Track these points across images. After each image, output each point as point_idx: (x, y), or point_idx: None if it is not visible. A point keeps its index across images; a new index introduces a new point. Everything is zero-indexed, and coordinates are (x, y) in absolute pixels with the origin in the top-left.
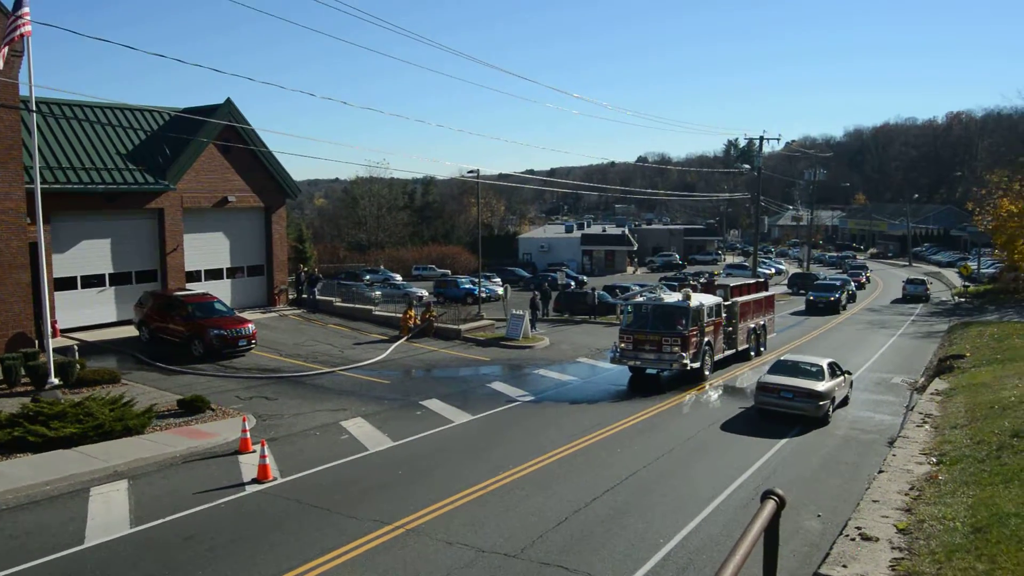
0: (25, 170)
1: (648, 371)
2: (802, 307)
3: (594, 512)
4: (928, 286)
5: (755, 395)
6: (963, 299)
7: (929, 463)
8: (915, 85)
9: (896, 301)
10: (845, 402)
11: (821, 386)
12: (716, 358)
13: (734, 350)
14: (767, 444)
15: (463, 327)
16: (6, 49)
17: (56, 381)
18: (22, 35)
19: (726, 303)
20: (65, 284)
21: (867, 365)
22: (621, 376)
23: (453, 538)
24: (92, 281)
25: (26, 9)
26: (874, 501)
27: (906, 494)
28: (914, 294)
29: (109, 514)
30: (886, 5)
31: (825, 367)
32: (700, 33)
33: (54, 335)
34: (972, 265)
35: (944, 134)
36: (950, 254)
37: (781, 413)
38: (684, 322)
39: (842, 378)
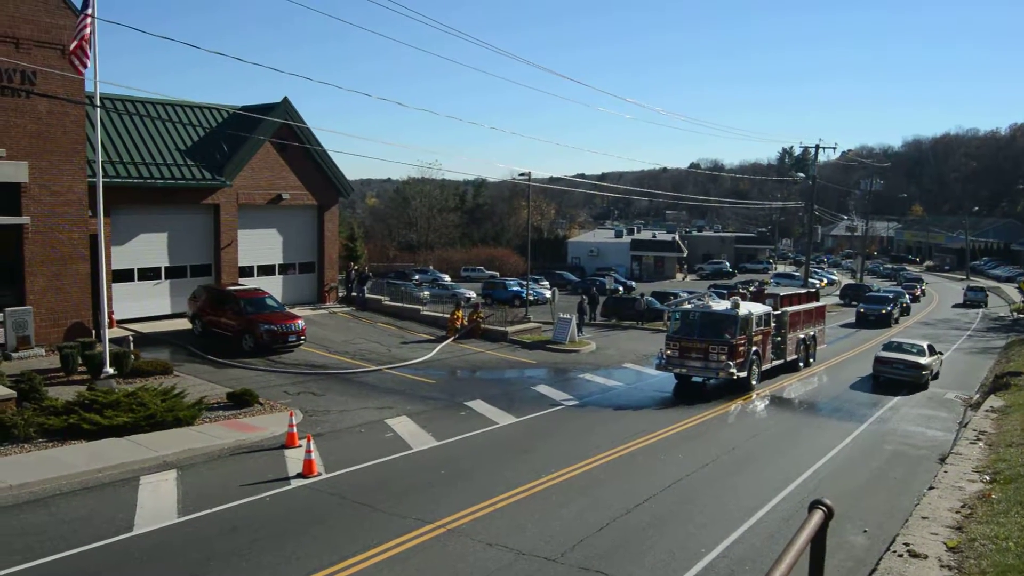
0: (88, 163)
1: (694, 379)
2: (853, 319)
3: (636, 519)
4: (987, 293)
5: (873, 366)
6: (1022, 315)
7: (982, 481)
8: (976, 100)
9: (957, 306)
10: (936, 376)
11: (923, 360)
12: (764, 368)
13: (782, 360)
14: (814, 456)
15: (510, 329)
16: (78, 45)
17: (111, 371)
18: (90, 33)
19: (775, 312)
20: (122, 276)
21: None
22: (666, 383)
23: (493, 539)
24: (148, 274)
25: (90, 9)
26: (923, 518)
27: (957, 512)
28: (974, 300)
29: (158, 503)
30: (949, 22)
31: (925, 347)
32: (760, 40)
33: (110, 326)
34: None
35: (1007, 146)
36: (1010, 269)
37: (895, 380)
38: (732, 331)
39: (936, 356)
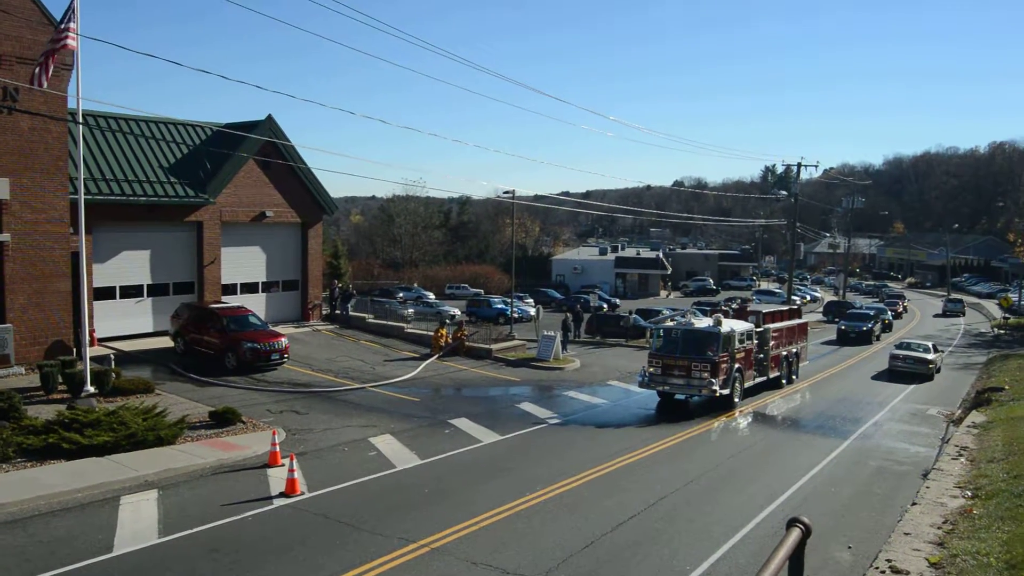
0: (70, 180)
1: (677, 396)
2: (835, 336)
3: (621, 536)
4: (964, 304)
5: (889, 362)
6: (1003, 331)
7: (964, 497)
8: (957, 113)
9: (937, 315)
10: (939, 370)
11: (929, 356)
12: (747, 385)
13: (765, 377)
14: (798, 473)
15: (494, 347)
16: (52, 60)
17: (92, 389)
18: (67, 48)
19: (758, 330)
20: (104, 294)
21: (902, 396)
22: (651, 400)
23: (478, 558)
24: (130, 291)
25: (73, 24)
26: (906, 534)
27: (939, 527)
28: (953, 310)
29: (138, 523)
30: (926, 31)
31: (930, 346)
32: (736, 53)
33: (92, 344)
34: (1013, 297)
35: (986, 164)
36: (990, 285)
37: (908, 372)
38: (714, 348)
39: (939, 354)
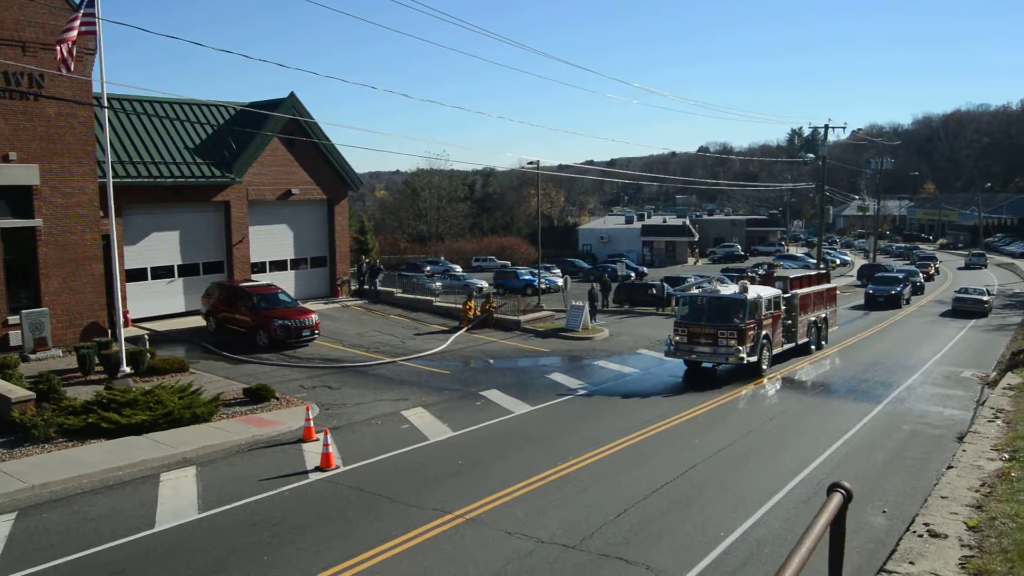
0: (97, 164)
1: (704, 365)
2: (863, 301)
3: (653, 505)
4: (986, 257)
5: (952, 304)
6: None
7: (1001, 459)
8: (987, 73)
9: (961, 268)
10: (992, 309)
11: (985, 298)
12: (775, 352)
13: (794, 344)
14: (830, 438)
15: (523, 318)
16: (64, 47)
17: (128, 369)
18: (87, 33)
19: (785, 295)
20: (136, 275)
21: (935, 359)
22: (681, 368)
23: (512, 528)
24: (161, 272)
25: (91, 8)
26: (943, 497)
27: (977, 491)
28: (976, 263)
29: (178, 499)
30: None
31: (985, 289)
32: (763, 15)
33: (126, 325)
34: None
35: (1018, 120)
36: None
37: (969, 311)
38: (741, 315)
39: (992, 296)
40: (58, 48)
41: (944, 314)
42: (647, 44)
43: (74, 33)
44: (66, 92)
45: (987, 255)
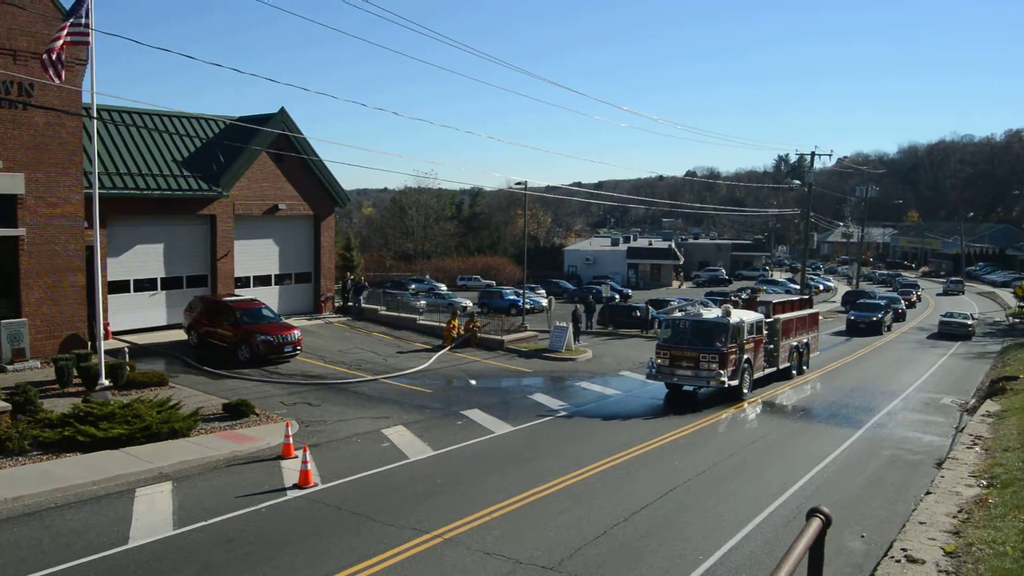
0: (84, 175)
1: (685, 388)
2: (844, 327)
3: (633, 527)
4: (963, 283)
5: (939, 327)
6: (1018, 319)
7: (979, 486)
8: (972, 102)
9: (939, 294)
10: (975, 333)
11: (969, 322)
12: (756, 376)
13: (775, 368)
14: (810, 462)
15: (506, 338)
16: (52, 55)
17: (106, 382)
18: (76, 43)
19: (768, 320)
20: (118, 287)
21: (916, 385)
22: (662, 391)
23: (490, 548)
24: (144, 285)
25: (84, 20)
26: (921, 523)
27: (954, 516)
28: (953, 290)
29: (153, 515)
30: (942, 23)
31: (969, 315)
32: (751, 40)
33: (106, 337)
34: None
35: (1002, 152)
36: (1005, 274)
37: (954, 333)
38: (723, 339)
39: (976, 320)
40: (44, 57)
41: (931, 336)
42: (637, 70)
43: (59, 43)
44: (55, 102)
45: (965, 282)
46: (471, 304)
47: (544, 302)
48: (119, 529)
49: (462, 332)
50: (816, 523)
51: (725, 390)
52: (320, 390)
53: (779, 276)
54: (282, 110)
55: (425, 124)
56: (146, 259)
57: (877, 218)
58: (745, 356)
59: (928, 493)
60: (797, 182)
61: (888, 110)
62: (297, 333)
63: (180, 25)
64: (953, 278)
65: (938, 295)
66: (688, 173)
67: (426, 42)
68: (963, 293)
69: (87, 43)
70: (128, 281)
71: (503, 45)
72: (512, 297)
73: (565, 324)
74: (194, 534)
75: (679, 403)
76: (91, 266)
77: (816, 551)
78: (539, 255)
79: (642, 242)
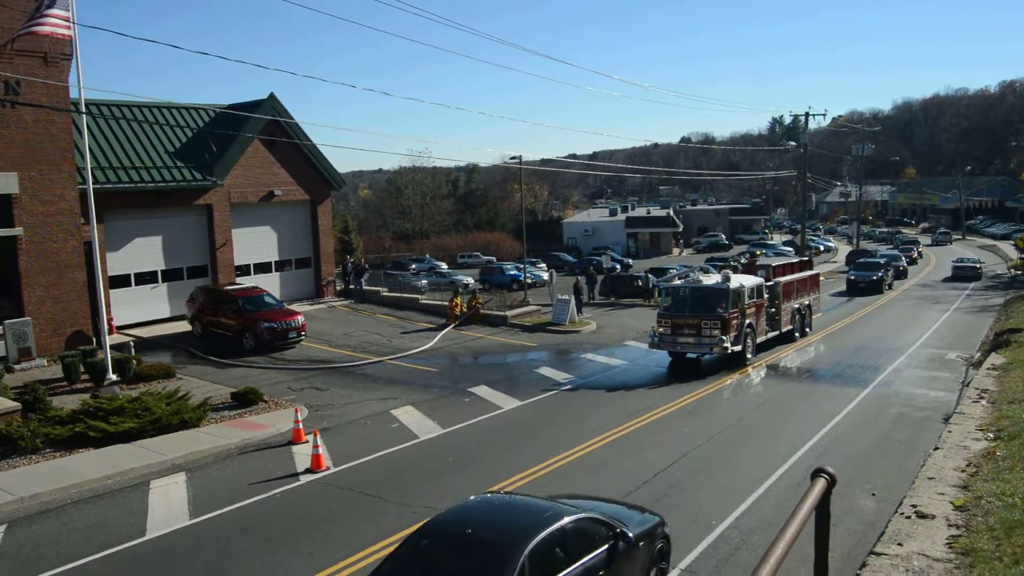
0: (77, 171)
1: (688, 355)
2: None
3: (645, 494)
4: (951, 234)
5: (952, 269)
6: (1020, 272)
7: (986, 439)
8: (965, 58)
9: (928, 245)
10: (982, 275)
11: (979, 265)
12: (759, 340)
13: (778, 332)
14: (818, 423)
15: (509, 313)
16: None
17: (114, 377)
18: (49, 35)
19: (768, 284)
20: (119, 282)
21: (920, 341)
22: (667, 359)
23: None
24: (145, 278)
25: (62, 12)
26: (929, 478)
27: (963, 471)
28: (942, 240)
29: (169, 506)
30: None
31: (978, 259)
32: (742, 12)
33: (110, 332)
34: None
35: (997, 103)
36: (1005, 226)
37: (966, 276)
38: (724, 305)
39: (983, 264)
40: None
41: (945, 279)
42: (631, 43)
43: (45, 29)
44: (43, 99)
45: (951, 233)
46: (472, 281)
47: (545, 276)
48: (136, 522)
49: (465, 310)
50: (821, 483)
51: (728, 356)
52: (327, 374)
53: (778, 238)
54: (271, 96)
55: (417, 104)
56: (145, 252)
57: (875, 176)
58: (747, 321)
59: (936, 448)
60: (793, 143)
61: (881, 72)
62: (301, 319)
63: (162, 23)
64: (941, 230)
65: (926, 246)
66: (683, 140)
67: (411, 20)
68: (951, 243)
69: (69, 37)
70: (129, 275)
71: (497, 24)
72: (513, 272)
73: (567, 297)
74: (210, 523)
75: (683, 371)
76: (91, 262)
77: (822, 511)
78: (538, 229)
79: (640, 211)
